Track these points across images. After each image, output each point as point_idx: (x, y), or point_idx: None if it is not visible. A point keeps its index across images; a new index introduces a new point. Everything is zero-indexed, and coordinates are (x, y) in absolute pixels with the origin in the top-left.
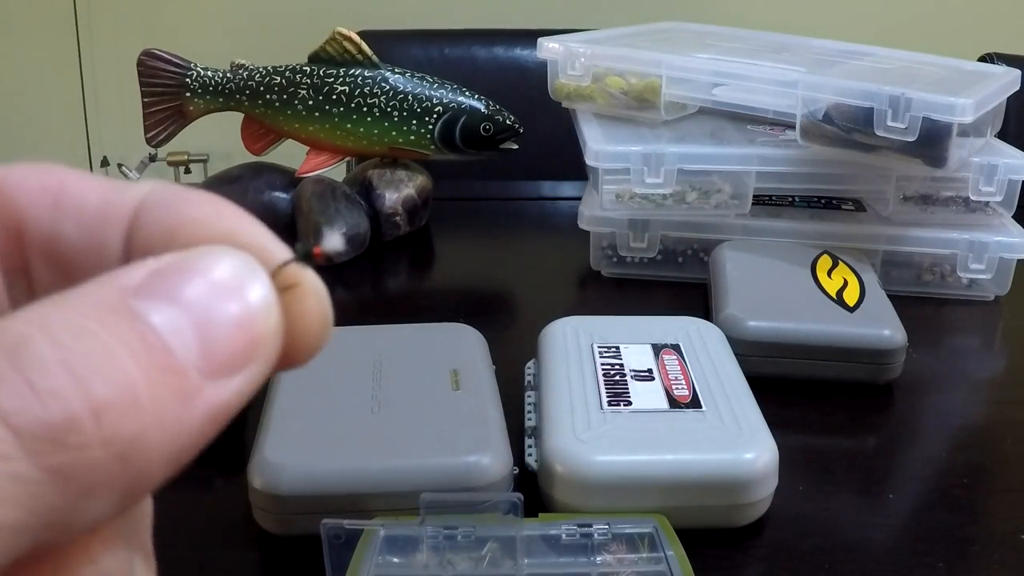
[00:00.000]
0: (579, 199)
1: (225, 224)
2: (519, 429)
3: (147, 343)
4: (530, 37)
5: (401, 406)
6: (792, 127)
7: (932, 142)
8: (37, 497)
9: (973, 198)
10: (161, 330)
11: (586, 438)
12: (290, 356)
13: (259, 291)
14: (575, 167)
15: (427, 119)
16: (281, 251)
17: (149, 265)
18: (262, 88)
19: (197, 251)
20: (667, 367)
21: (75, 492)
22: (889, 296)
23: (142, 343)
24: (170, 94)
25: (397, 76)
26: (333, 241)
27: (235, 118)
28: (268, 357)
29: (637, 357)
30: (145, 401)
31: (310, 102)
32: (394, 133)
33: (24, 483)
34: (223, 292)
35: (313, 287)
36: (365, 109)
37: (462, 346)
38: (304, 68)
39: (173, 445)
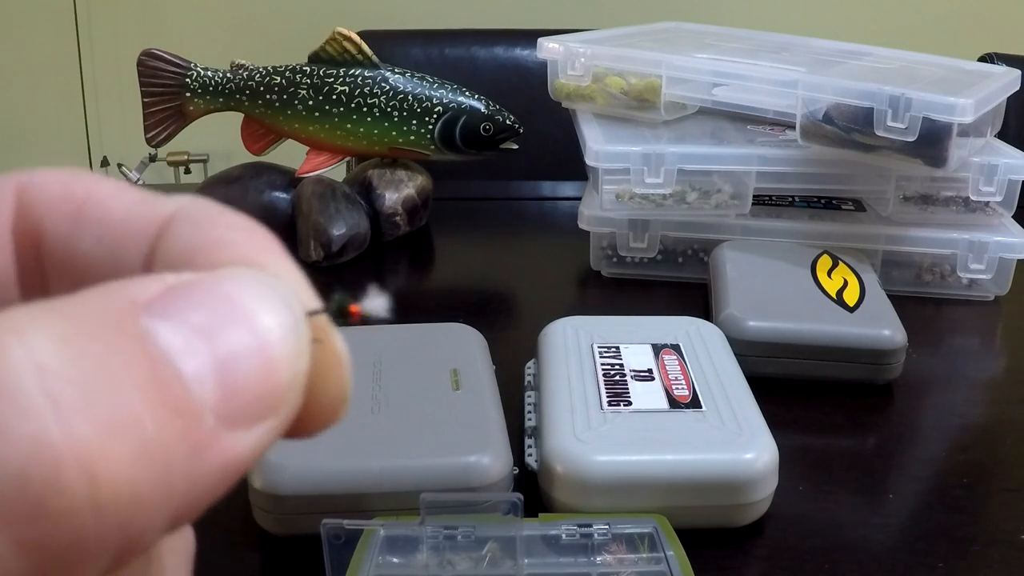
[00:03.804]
0: (579, 199)
1: (257, 254)
2: (519, 429)
3: (158, 374)
4: (530, 37)
5: (401, 406)
6: (792, 127)
7: (932, 142)
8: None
9: (973, 198)
10: (176, 359)
11: (586, 438)
12: (301, 423)
13: (292, 328)
14: (575, 167)
15: (427, 119)
16: (313, 298)
17: (167, 279)
18: (262, 88)
19: (225, 271)
20: (667, 367)
21: (55, 568)
22: (889, 296)
23: (151, 373)
24: (170, 94)
25: (397, 76)
26: (376, 303)
27: (235, 118)
28: (289, 412)
29: (637, 357)
30: (151, 450)
31: (310, 102)
32: (394, 133)
33: None
34: (250, 322)
35: (338, 349)
36: (365, 109)
37: (462, 346)
38: (304, 68)
39: (178, 505)
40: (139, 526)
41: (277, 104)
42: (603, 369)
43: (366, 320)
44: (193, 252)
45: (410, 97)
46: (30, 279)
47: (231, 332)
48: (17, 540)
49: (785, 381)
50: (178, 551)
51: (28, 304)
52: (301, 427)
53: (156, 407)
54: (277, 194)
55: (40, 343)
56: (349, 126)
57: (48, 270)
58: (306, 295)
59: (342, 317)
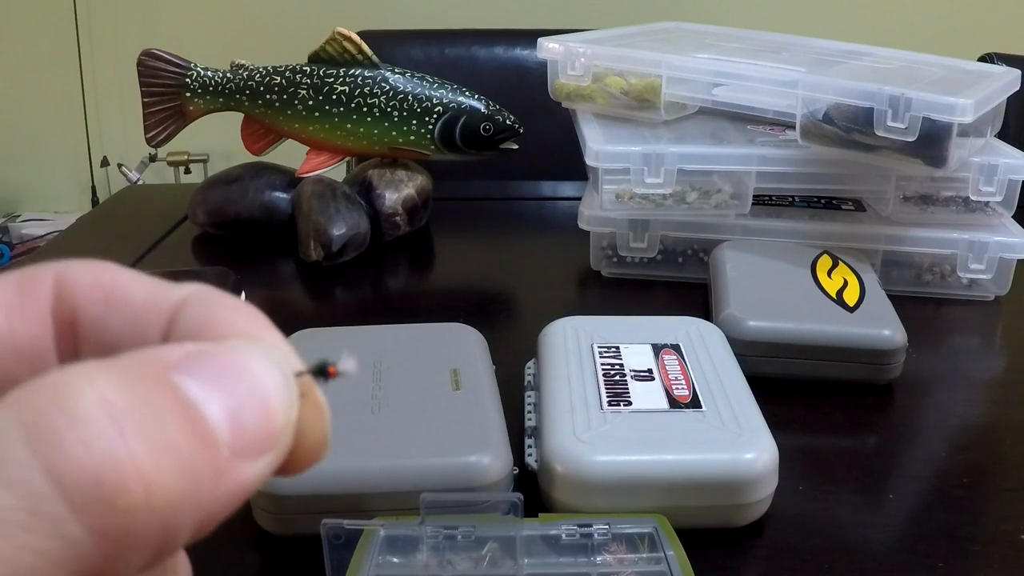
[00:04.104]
0: (579, 199)
1: (254, 329)
2: (519, 429)
3: (188, 414)
4: (530, 37)
5: (401, 406)
6: (792, 127)
7: (932, 142)
8: (81, 557)
9: (973, 198)
10: (200, 405)
11: (586, 438)
12: (290, 463)
13: (284, 386)
14: (575, 167)
15: (427, 119)
16: (298, 362)
17: (186, 347)
18: (262, 88)
19: (232, 342)
20: (667, 367)
21: (116, 553)
22: (889, 296)
23: (184, 412)
24: (170, 94)
25: (397, 76)
26: (348, 365)
27: (235, 118)
28: (284, 449)
29: (637, 357)
30: (187, 468)
31: (310, 102)
32: (394, 133)
33: (71, 544)
34: (254, 380)
35: (320, 402)
36: (365, 109)
37: (462, 346)
38: (304, 68)
39: (202, 514)
40: (176, 526)
41: (277, 104)
42: (603, 369)
43: (340, 376)
44: (203, 327)
45: (410, 97)
46: (66, 355)
47: (239, 387)
48: (92, 528)
49: (785, 381)
50: (184, 570)
51: (88, 361)
52: (291, 465)
53: (188, 437)
54: (277, 194)
55: (104, 384)
56: (349, 126)
57: (81, 346)
58: (293, 360)
59: (322, 376)
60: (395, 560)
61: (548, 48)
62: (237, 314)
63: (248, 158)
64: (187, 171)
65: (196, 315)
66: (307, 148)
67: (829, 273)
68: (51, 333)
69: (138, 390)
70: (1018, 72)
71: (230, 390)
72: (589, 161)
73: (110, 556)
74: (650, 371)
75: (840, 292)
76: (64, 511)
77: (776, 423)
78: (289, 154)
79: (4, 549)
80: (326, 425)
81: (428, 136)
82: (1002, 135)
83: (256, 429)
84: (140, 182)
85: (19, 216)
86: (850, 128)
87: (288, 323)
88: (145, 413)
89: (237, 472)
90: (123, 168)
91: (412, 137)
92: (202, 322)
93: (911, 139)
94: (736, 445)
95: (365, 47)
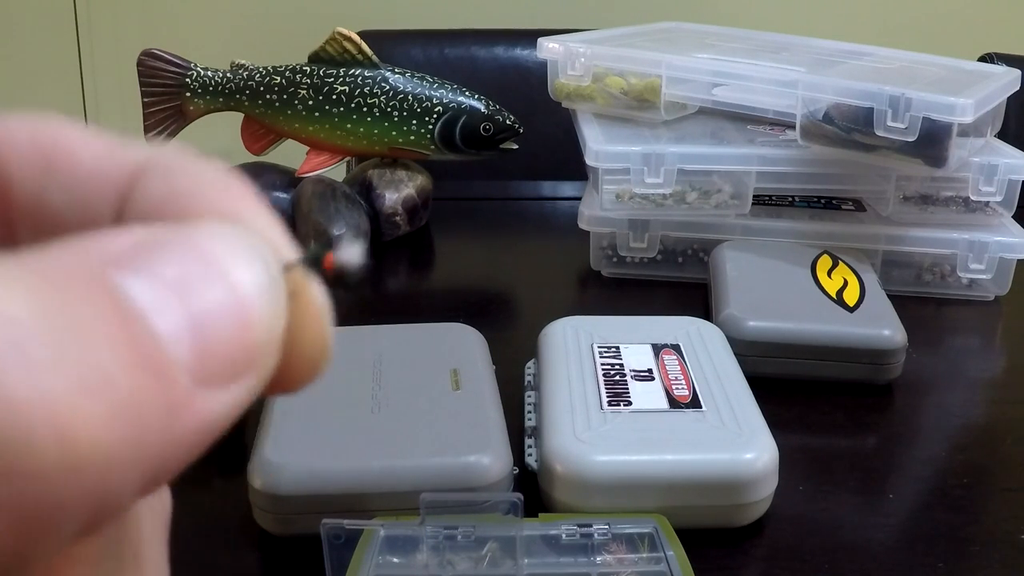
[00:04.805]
0: (579, 199)
1: (231, 204)
2: (519, 429)
3: (131, 331)
4: (530, 37)
5: (401, 406)
6: (792, 127)
7: (932, 142)
8: None
9: (973, 198)
10: (149, 316)
11: (586, 438)
12: (280, 380)
13: (268, 283)
14: (575, 167)
15: (427, 119)
16: (289, 249)
17: (137, 233)
18: (262, 88)
19: (201, 224)
20: (667, 367)
21: (24, 529)
22: (889, 296)
23: (124, 330)
24: (170, 94)
25: (397, 76)
26: (352, 252)
27: (235, 118)
28: (266, 371)
29: (637, 357)
30: (124, 409)
31: (310, 102)
32: (394, 133)
33: None
34: (224, 277)
35: (316, 301)
36: (365, 109)
37: (462, 346)
38: (304, 68)
39: (153, 467)
40: (113, 488)
41: (277, 104)
42: (603, 369)
43: (342, 274)
44: (164, 203)
45: (410, 97)
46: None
47: (205, 289)
48: None
49: (785, 381)
50: (155, 510)
51: None
52: (282, 383)
53: (130, 366)
54: (277, 194)
55: (8, 295)
56: (349, 126)
57: (16, 222)
58: (283, 248)
59: (317, 267)
60: (395, 560)
61: (548, 48)
62: (210, 185)
63: (248, 158)
64: None
65: (157, 188)
66: (307, 148)
67: (829, 273)
68: None
69: (61, 300)
70: (1018, 72)
71: (192, 293)
72: (589, 161)
73: (20, 535)
74: (650, 371)
75: (840, 292)
76: None
77: (776, 423)
78: (289, 154)
79: None
80: (326, 329)
81: (428, 136)
82: (1002, 135)
83: (228, 345)
84: None
85: None
86: (850, 128)
87: None
88: (67, 333)
89: (201, 404)
90: None
91: (412, 137)
92: (164, 196)
93: (911, 139)
94: (736, 445)
95: (365, 47)
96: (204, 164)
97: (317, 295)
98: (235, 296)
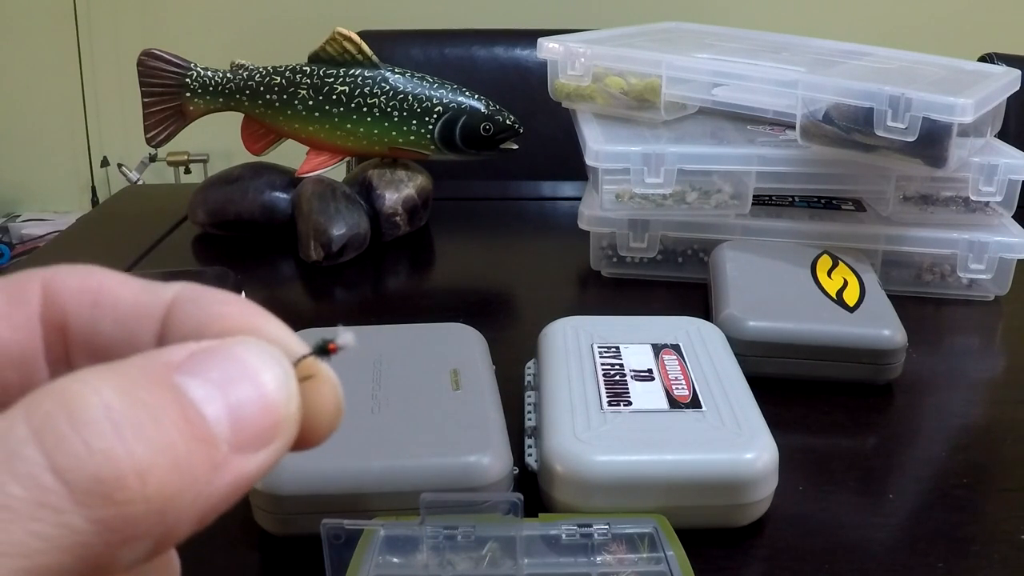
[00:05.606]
0: (579, 199)
1: (251, 320)
2: (519, 429)
3: (187, 414)
4: (530, 37)
5: (401, 406)
6: (792, 127)
7: (932, 142)
8: (84, 544)
9: (973, 198)
10: (199, 404)
11: (586, 438)
12: (306, 438)
13: (284, 380)
14: (575, 167)
15: (427, 119)
16: (300, 345)
17: (189, 347)
18: (262, 88)
19: (233, 340)
20: (667, 367)
21: (116, 541)
22: (889, 296)
23: (182, 413)
24: (170, 94)
25: (397, 76)
26: (346, 338)
27: (235, 118)
28: (288, 438)
29: (637, 357)
30: (183, 465)
31: (310, 102)
32: (394, 133)
33: (74, 532)
34: (254, 378)
35: (328, 378)
36: (365, 109)
37: (462, 346)
38: (304, 68)
39: (201, 506)
40: (174, 517)
41: (277, 104)
42: (603, 369)
43: (340, 350)
44: (202, 326)
45: (410, 97)
46: (55, 358)
47: (240, 386)
48: (91, 518)
49: (785, 381)
50: (170, 567)
51: (92, 367)
52: (309, 438)
53: (186, 437)
54: (277, 194)
55: (105, 390)
56: (349, 126)
57: (71, 350)
58: (295, 346)
59: (324, 353)
60: (395, 560)
61: (548, 48)
62: (232, 308)
63: (248, 158)
64: (187, 171)
65: (192, 313)
66: (307, 148)
67: (829, 273)
68: (40, 339)
69: (140, 394)
70: (1018, 72)
71: (230, 388)
72: (589, 161)
73: (110, 543)
74: (650, 371)
75: (840, 292)
76: (67, 503)
77: (776, 423)
78: (289, 154)
79: (15, 533)
80: (339, 396)
81: (428, 136)
82: (1002, 135)
83: (255, 424)
84: (140, 182)
85: (19, 216)
86: (850, 128)
87: (288, 323)
88: (144, 415)
89: (235, 465)
90: (123, 168)
91: (412, 137)
92: (200, 320)
93: (911, 139)
94: (736, 445)
95: (365, 47)
96: (223, 293)
97: (327, 372)
98: (261, 391)
